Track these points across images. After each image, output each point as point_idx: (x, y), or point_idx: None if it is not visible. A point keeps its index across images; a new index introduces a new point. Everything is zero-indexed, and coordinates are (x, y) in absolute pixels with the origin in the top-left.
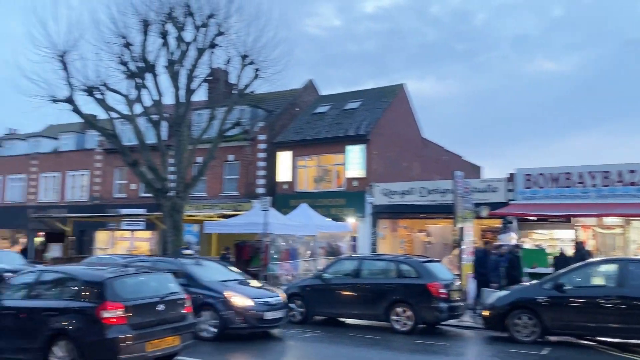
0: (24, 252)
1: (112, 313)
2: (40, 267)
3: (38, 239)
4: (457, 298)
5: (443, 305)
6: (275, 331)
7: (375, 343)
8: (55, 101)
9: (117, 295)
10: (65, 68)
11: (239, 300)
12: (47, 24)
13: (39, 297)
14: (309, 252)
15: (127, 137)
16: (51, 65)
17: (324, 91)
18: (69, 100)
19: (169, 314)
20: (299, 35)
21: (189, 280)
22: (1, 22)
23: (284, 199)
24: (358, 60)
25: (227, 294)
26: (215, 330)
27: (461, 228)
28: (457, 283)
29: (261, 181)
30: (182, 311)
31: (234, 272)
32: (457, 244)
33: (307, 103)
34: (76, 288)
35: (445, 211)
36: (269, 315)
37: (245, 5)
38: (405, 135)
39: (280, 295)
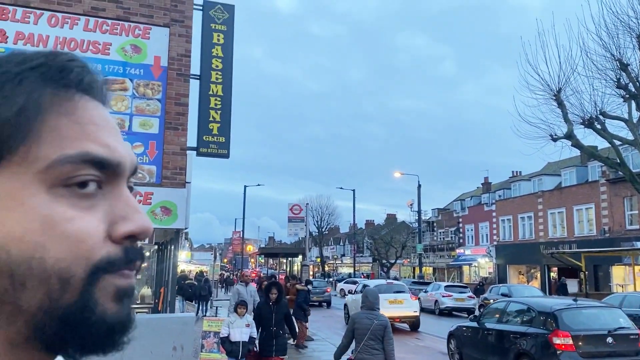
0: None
1: (562, 340)
2: (518, 298)
3: (552, 274)
4: None
5: None
6: None
7: None
8: (554, 139)
9: (566, 325)
10: (560, 105)
11: None
12: (539, 68)
13: (507, 322)
14: None
15: (635, 164)
16: (547, 106)
17: None
18: (569, 136)
19: (621, 348)
20: None
21: None
22: (499, 78)
23: None
24: None
25: None
26: None
27: None
28: None
29: None
30: (637, 346)
31: None
32: None
33: None
34: (533, 317)
35: None
36: None
37: None
38: None
39: None
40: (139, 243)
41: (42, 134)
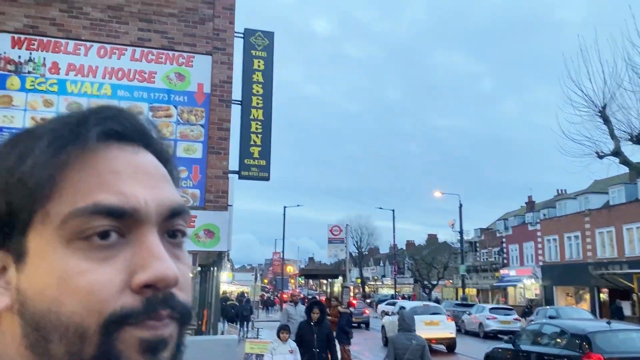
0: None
1: None
2: (544, 320)
3: (602, 296)
4: None
5: None
6: None
7: None
8: (601, 157)
9: (599, 348)
10: (606, 122)
11: None
12: (582, 84)
13: (542, 344)
14: None
15: None
16: (592, 123)
17: None
18: (616, 153)
19: None
20: None
21: None
22: (540, 95)
23: None
24: None
25: None
26: None
27: None
28: None
29: None
30: None
31: None
32: None
33: None
34: (566, 339)
35: None
36: None
37: None
38: None
39: None
40: (171, 290)
41: (62, 191)
